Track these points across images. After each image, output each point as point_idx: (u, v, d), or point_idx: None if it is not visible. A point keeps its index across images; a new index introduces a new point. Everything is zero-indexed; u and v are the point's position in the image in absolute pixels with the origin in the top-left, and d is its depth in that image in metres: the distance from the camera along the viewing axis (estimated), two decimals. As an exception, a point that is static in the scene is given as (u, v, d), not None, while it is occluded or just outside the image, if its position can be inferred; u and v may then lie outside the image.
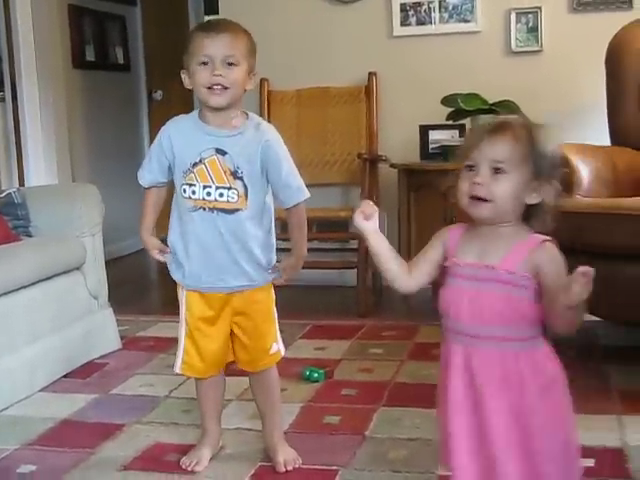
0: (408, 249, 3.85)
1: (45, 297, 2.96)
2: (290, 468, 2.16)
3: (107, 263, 3.40)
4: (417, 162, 3.93)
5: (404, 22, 4.28)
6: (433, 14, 4.25)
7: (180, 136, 2.06)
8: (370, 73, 4.25)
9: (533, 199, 1.49)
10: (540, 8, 4.09)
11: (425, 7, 4.24)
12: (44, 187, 3.90)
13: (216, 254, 2.05)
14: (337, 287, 4.35)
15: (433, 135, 3.91)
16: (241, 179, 2.00)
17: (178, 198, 2.09)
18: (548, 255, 1.47)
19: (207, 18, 7.11)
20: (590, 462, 2.04)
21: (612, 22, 3.57)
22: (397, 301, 3.94)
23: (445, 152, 3.79)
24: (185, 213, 2.06)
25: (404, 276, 1.60)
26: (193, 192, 2.02)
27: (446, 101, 3.92)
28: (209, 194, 2.00)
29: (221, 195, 2.00)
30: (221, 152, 2.00)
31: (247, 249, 2.05)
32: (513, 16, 4.13)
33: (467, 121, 3.93)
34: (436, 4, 4.23)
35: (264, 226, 2.09)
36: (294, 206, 2.09)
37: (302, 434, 2.40)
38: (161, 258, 2.15)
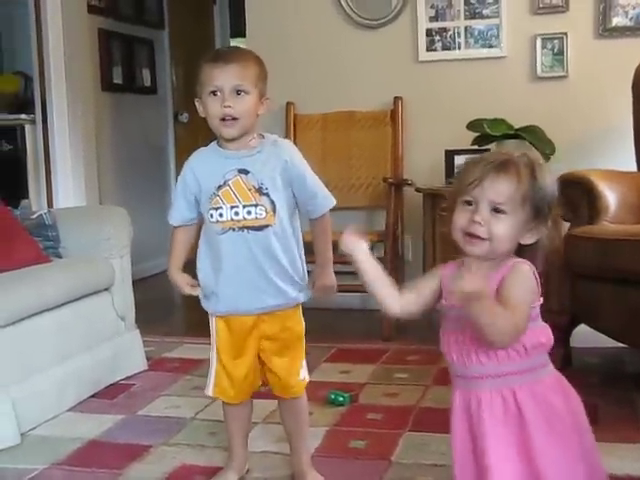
0: (433, 273, 3.85)
1: (74, 318, 3.00)
2: None
3: (133, 283, 3.43)
4: (443, 186, 3.94)
5: (430, 47, 4.31)
6: (458, 39, 4.27)
7: (202, 166, 2.10)
8: (396, 97, 4.28)
9: (529, 239, 1.49)
10: (566, 34, 4.10)
11: (451, 32, 4.27)
12: (74, 209, 3.95)
13: (249, 273, 2.05)
14: (361, 310, 4.35)
15: (458, 160, 3.92)
16: (267, 195, 2.02)
17: (206, 227, 2.10)
18: (512, 274, 1.45)
19: (233, 42, 7.24)
20: (617, 491, 2.03)
21: (638, 47, 3.58)
22: (421, 325, 3.91)
23: (470, 177, 3.80)
24: (214, 238, 2.07)
25: (392, 298, 1.59)
26: (220, 215, 2.03)
27: (471, 126, 3.94)
28: (237, 214, 2.02)
29: (249, 213, 2.02)
30: (244, 172, 2.02)
31: (280, 265, 2.06)
32: (539, 42, 4.14)
33: (493, 146, 3.94)
34: (462, 29, 4.25)
35: (294, 241, 2.10)
36: (322, 215, 2.11)
37: (328, 458, 2.40)
38: (193, 292, 2.15)
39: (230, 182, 2.02)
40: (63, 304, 2.93)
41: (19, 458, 2.48)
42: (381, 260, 3.82)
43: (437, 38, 4.29)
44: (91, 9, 5.06)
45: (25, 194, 4.64)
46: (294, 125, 4.38)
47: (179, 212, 2.16)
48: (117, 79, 5.53)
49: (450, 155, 3.96)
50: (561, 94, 4.14)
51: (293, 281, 2.11)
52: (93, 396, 3.01)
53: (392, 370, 3.26)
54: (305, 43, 4.47)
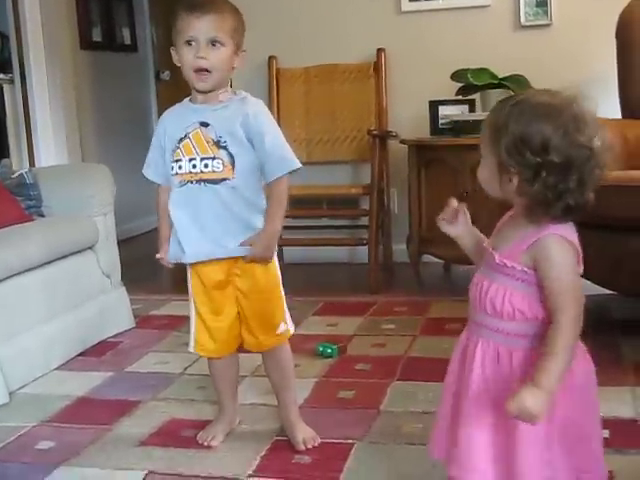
0: (419, 224, 3.85)
1: (59, 276, 2.98)
2: (310, 446, 2.16)
3: (119, 243, 3.41)
4: (427, 137, 3.92)
5: (412, -3, 4.25)
6: (441, -11, 4.22)
7: (170, 119, 2.09)
8: (379, 49, 4.23)
9: (510, 187, 1.37)
10: (549, -19, 4.06)
11: (433, -18, 4.21)
12: (55, 167, 3.91)
13: (209, 226, 2.02)
14: (348, 264, 4.36)
15: (443, 110, 3.90)
16: (225, 148, 1.98)
17: (170, 181, 2.08)
18: (543, 249, 1.36)
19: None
20: (605, 433, 2.05)
21: (622, -6, 3.54)
22: (408, 277, 3.95)
23: (455, 127, 3.78)
24: (175, 191, 2.05)
25: None
26: (180, 167, 2.01)
27: (455, 76, 3.91)
28: (195, 166, 1.99)
29: (206, 166, 1.98)
30: (204, 124, 2.00)
31: (240, 218, 2.02)
32: (522, -11, 4.10)
33: (477, 96, 3.92)
34: (444, -22, 4.20)
35: (255, 193, 2.04)
36: (276, 180, 2.03)
37: (317, 409, 2.41)
38: (168, 264, 2.19)
39: (190, 134, 2.00)
40: (47, 263, 2.91)
41: (8, 416, 2.47)
42: (367, 213, 3.87)
43: (419, -13, 4.23)
44: (67, -35, 4.96)
45: (6, 154, 4.59)
46: (277, 79, 4.33)
47: (153, 165, 2.15)
48: (97, 37, 5.45)
49: (434, 106, 3.92)
50: (545, 42, 4.11)
51: (256, 229, 2.04)
52: (81, 354, 3.01)
53: (380, 322, 3.27)
54: (286, -4, 4.40)
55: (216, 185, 1.99)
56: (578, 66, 4.01)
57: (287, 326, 2.18)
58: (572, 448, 1.42)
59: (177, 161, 2.02)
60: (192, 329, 2.20)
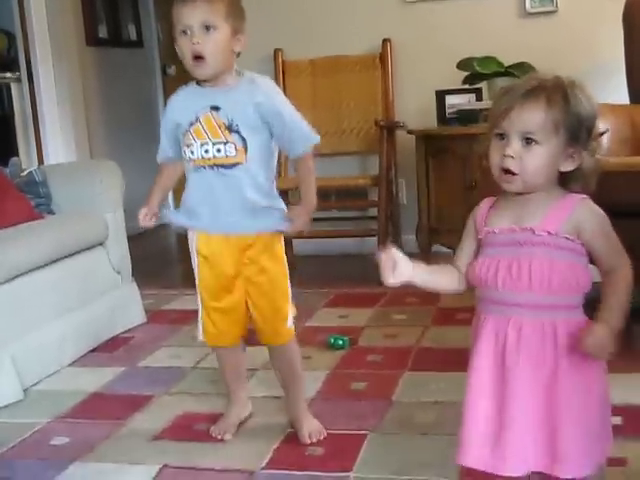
0: (428, 214, 3.85)
1: (70, 273, 2.99)
2: (315, 440, 2.16)
3: (129, 239, 3.42)
4: (434, 127, 3.91)
5: (417, -13, 4.24)
6: (446, -22, 4.21)
7: (179, 103, 2.07)
8: (384, 40, 4.23)
9: (569, 166, 1.41)
10: (555, -33, 4.04)
11: (438, -29, 4.20)
12: (64, 165, 3.92)
13: (223, 210, 2.02)
14: (357, 255, 4.36)
15: (450, 100, 3.88)
16: (237, 132, 1.97)
17: (184, 164, 2.09)
18: (588, 212, 1.40)
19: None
20: (617, 420, 2.05)
21: (628, -21, 3.52)
22: (418, 267, 3.94)
23: (462, 116, 3.77)
24: (189, 175, 2.06)
25: (452, 284, 1.53)
26: (192, 152, 2.00)
27: (462, 65, 3.90)
28: (207, 151, 1.98)
29: (219, 151, 1.98)
30: (215, 108, 1.98)
31: (253, 201, 2.01)
32: (527, -24, 4.08)
33: (484, 84, 3.91)
34: (449, -33, 4.18)
35: (268, 178, 2.05)
36: (303, 154, 2.04)
37: (329, 400, 2.42)
38: (145, 223, 2.16)
39: (201, 118, 1.98)
40: (58, 260, 2.93)
41: (22, 413, 2.49)
42: (375, 204, 3.87)
43: (424, -23, 4.22)
44: (71, -38, 4.97)
45: (15, 152, 4.61)
46: (283, 72, 4.33)
47: (162, 149, 2.16)
48: (103, 34, 5.46)
49: (441, 95, 3.91)
50: (551, 29, 4.09)
51: (268, 214, 2.05)
52: (93, 350, 3.02)
53: (390, 312, 3.27)
54: (291, -12, 4.39)
55: (230, 169, 1.98)
56: (585, 52, 3.99)
57: (291, 323, 2.18)
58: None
59: (188, 146, 2.01)
60: (199, 318, 2.22)
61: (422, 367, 2.63)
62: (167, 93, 6.17)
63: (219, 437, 2.23)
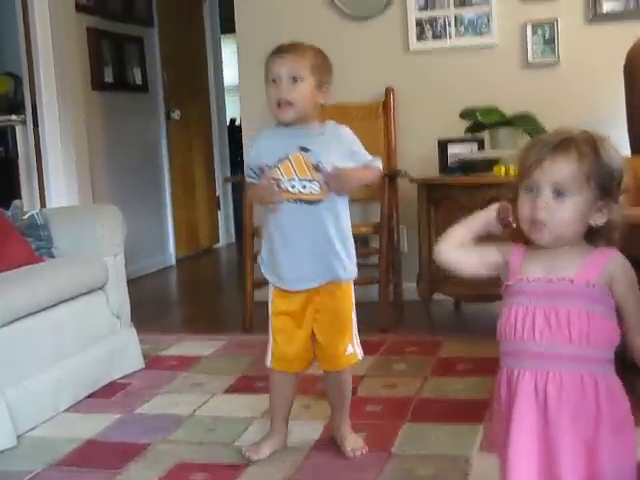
0: (429, 263, 3.83)
1: (69, 317, 2.97)
2: (358, 454, 2.32)
3: (128, 283, 3.41)
4: (436, 176, 3.92)
5: (420, 37, 4.29)
6: (449, 28, 4.25)
7: (265, 141, 2.26)
8: (387, 89, 4.26)
9: (598, 219, 1.41)
10: (556, 20, 4.08)
11: (441, 21, 4.25)
12: (66, 208, 3.93)
13: (300, 245, 2.20)
14: (359, 303, 4.31)
15: (452, 149, 3.90)
16: (323, 173, 2.17)
17: None
18: (621, 266, 1.41)
19: (224, 37, 7.21)
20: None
21: (629, 33, 3.55)
22: (419, 316, 3.93)
23: (464, 166, 3.78)
24: (270, 210, 2.23)
25: (452, 244, 1.57)
26: (278, 186, 2.18)
27: (464, 115, 3.93)
28: (293, 186, 2.18)
29: (304, 187, 2.18)
30: (304, 149, 2.18)
31: (329, 240, 2.21)
32: (529, 28, 4.12)
33: (486, 134, 3.92)
34: (452, 18, 4.23)
35: (344, 218, 2.25)
36: (369, 162, 2.26)
37: (328, 451, 2.39)
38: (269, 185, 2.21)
39: (291, 156, 2.18)
40: (57, 304, 2.91)
41: (16, 460, 2.46)
42: (377, 252, 3.86)
43: (427, 27, 4.27)
44: (79, 8, 5.02)
45: (17, 195, 4.61)
46: (286, 119, 4.36)
47: (249, 176, 2.32)
48: (108, 78, 5.50)
49: (443, 144, 3.93)
50: (553, 81, 4.12)
51: (340, 257, 2.24)
52: (90, 396, 2.99)
53: (390, 361, 3.25)
54: (296, 37, 4.35)
55: (312, 205, 2.19)
56: (586, 103, 4.02)
57: (354, 350, 2.33)
58: None
59: (275, 179, 2.18)
60: (269, 345, 2.33)
61: (422, 418, 2.60)
62: (171, 138, 6.21)
63: (255, 458, 2.32)
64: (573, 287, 1.40)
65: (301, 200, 2.18)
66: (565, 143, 1.40)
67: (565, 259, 1.42)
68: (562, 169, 1.38)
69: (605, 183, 1.39)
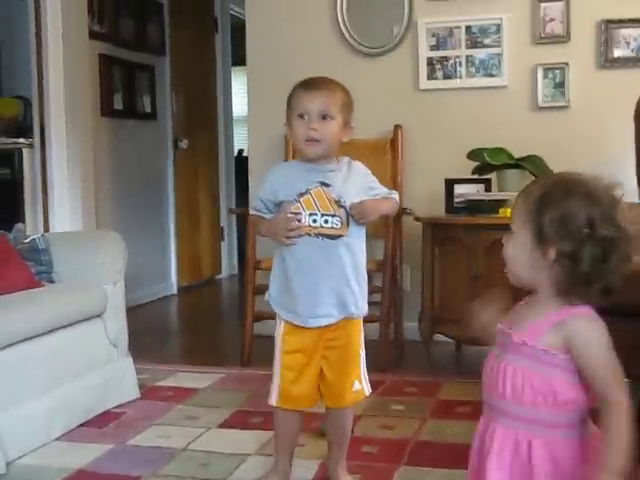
0: (431, 303, 3.80)
1: (65, 344, 2.94)
2: None
3: (128, 310, 3.38)
4: (442, 216, 3.89)
5: (431, 75, 4.29)
6: (459, 68, 4.26)
7: (283, 177, 2.24)
8: (396, 126, 4.25)
9: (545, 262, 1.34)
10: (567, 64, 4.09)
11: (452, 61, 4.25)
12: (68, 233, 3.91)
13: (319, 280, 2.18)
14: (359, 340, 4.29)
15: (458, 189, 3.88)
16: (344, 208, 2.18)
17: None
18: (582, 328, 1.33)
19: (234, 69, 7.24)
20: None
21: (640, 79, 3.56)
22: (419, 356, 3.88)
23: (470, 206, 3.76)
24: (284, 244, 2.20)
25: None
26: (299, 220, 2.17)
27: (472, 155, 3.91)
28: (315, 221, 2.17)
29: (326, 222, 2.17)
30: (325, 184, 2.18)
31: (345, 276, 2.20)
32: (540, 71, 4.13)
33: (493, 175, 3.91)
34: (463, 58, 4.24)
35: (360, 256, 2.25)
36: (387, 194, 2.30)
37: (321, 492, 2.34)
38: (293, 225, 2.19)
39: (312, 191, 2.18)
40: (54, 330, 2.88)
41: (4, 488, 2.42)
42: (379, 290, 3.83)
43: (438, 67, 4.27)
44: (92, 34, 5.05)
45: (21, 218, 4.60)
46: (294, 153, 4.35)
47: (258, 209, 2.30)
48: (117, 104, 5.51)
49: (450, 184, 3.91)
50: (562, 124, 4.12)
51: (354, 293, 2.23)
52: (83, 424, 2.95)
53: (388, 402, 3.19)
54: (306, 71, 4.35)
55: (332, 240, 2.18)
56: (595, 148, 4.01)
57: (362, 386, 2.32)
58: None
59: (296, 214, 2.17)
60: (275, 382, 2.28)
61: (419, 462, 2.55)
62: (178, 166, 6.21)
63: None
64: (513, 345, 1.38)
65: (322, 235, 2.18)
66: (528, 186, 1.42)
67: (529, 313, 1.40)
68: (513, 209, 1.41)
69: (544, 227, 1.33)
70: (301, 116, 2.16)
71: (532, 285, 1.40)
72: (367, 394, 2.34)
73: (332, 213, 2.17)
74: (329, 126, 2.15)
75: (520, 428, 1.37)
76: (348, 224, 2.19)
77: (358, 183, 2.23)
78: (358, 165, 2.29)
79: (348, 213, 2.18)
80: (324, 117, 2.14)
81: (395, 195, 2.35)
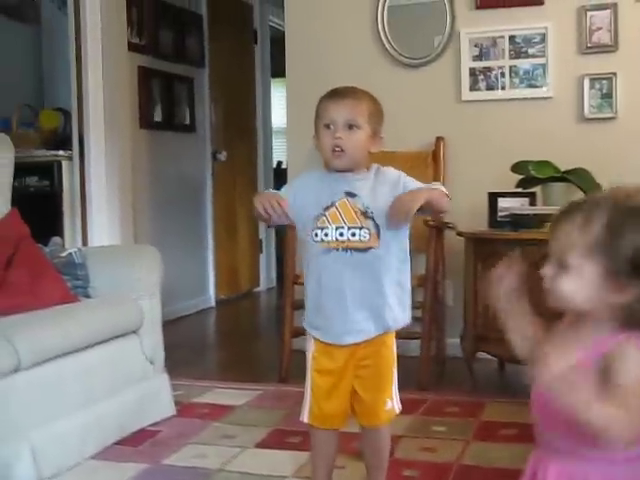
0: (474, 320, 3.70)
1: (100, 361, 2.89)
2: None
3: (166, 323, 3.34)
4: (485, 230, 3.79)
5: (473, 87, 4.20)
6: (503, 79, 4.16)
7: (309, 188, 2.15)
8: (438, 138, 4.17)
9: (617, 298, 1.22)
10: (615, 74, 3.97)
11: (495, 72, 4.16)
12: (104, 248, 3.88)
13: (350, 295, 2.08)
14: (399, 357, 4.19)
15: (502, 203, 3.77)
16: (372, 219, 2.08)
17: (309, 248, 2.14)
18: (621, 352, 1.20)
19: (274, 81, 7.21)
20: None
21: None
22: (461, 374, 3.78)
23: (515, 221, 3.65)
24: (317, 258, 2.12)
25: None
26: (325, 234, 2.09)
27: (516, 168, 3.81)
28: (342, 234, 2.08)
29: (353, 235, 2.08)
30: (350, 194, 2.10)
31: (380, 289, 2.10)
32: (587, 82, 4.01)
33: (538, 189, 3.80)
34: (506, 69, 4.15)
35: (399, 268, 2.15)
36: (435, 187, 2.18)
37: (360, 519, 2.26)
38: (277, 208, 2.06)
39: (337, 203, 2.09)
40: (89, 346, 2.83)
41: (36, 508, 2.37)
42: (421, 305, 3.74)
43: (481, 77, 4.18)
44: (131, 47, 5.04)
45: (59, 230, 4.59)
46: (332, 165, 4.28)
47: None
48: (156, 117, 5.50)
49: (494, 198, 3.81)
50: (609, 136, 4.00)
51: (392, 308, 2.13)
52: (117, 443, 2.89)
53: (430, 422, 3.10)
54: (345, 83, 4.28)
55: (362, 253, 2.08)
56: (644, 160, 3.88)
57: (393, 404, 2.22)
58: None
59: (322, 229, 2.09)
60: (307, 400, 2.22)
61: (462, 487, 2.46)
62: (216, 178, 6.18)
63: None
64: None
65: (350, 248, 2.09)
66: (572, 208, 1.27)
67: (574, 337, 1.28)
68: (563, 238, 1.25)
69: (618, 258, 1.20)
70: (327, 126, 2.09)
71: (583, 313, 1.28)
72: (397, 412, 2.25)
73: (359, 225, 2.08)
74: (355, 136, 2.08)
75: (570, 463, 1.29)
76: (379, 235, 2.09)
77: (388, 192, 2.09)
78: (388, 171, 2.17)
79: (377, 224, 2.08)
80: (350, 127, 2.08)
81: (440, 186, 2.21)
